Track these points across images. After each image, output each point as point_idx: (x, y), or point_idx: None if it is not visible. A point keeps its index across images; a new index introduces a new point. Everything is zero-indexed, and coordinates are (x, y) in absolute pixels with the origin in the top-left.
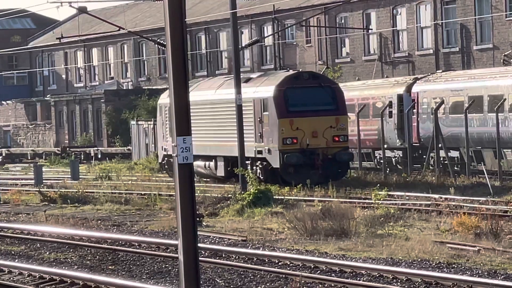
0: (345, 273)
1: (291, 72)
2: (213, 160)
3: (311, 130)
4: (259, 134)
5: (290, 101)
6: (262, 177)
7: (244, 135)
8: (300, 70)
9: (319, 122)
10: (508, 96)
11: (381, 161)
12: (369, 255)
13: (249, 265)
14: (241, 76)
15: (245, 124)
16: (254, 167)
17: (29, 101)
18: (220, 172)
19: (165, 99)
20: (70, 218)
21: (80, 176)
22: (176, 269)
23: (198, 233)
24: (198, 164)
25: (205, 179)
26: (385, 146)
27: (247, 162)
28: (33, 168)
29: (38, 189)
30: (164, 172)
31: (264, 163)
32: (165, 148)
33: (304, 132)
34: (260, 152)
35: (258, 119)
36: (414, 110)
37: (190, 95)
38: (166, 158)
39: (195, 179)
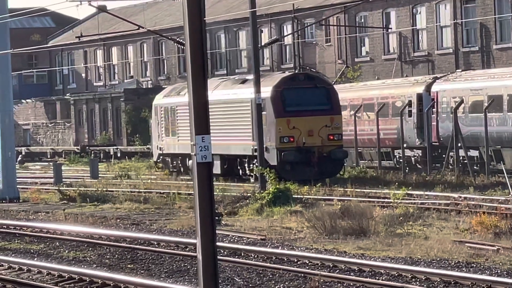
0: (364, 273)
1: (287, 73)
2: None
3: (307, 129)
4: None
5: (287, 101)
6: (258, 175)
7: (242, 134)
8: (296, 71)
9: (314, 121)
10: None
11: (401, 160)
12: (388, 254)
13: (268, 264)
14: (237, 78)
15: (243, 124)
16: (251, 165)
17: (48, 100)
18: (216, 169)
19: (160, 100)
20: (89, 216)
21: (99, 175)
22: (195, 268)
23: (217, 232)
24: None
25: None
26: (405, 145)
27: (244, 160)
28: (52, 167)
29: (57, 188)
30: (159, 170)
31: None
32: (160, 147)
33: (300, 131)
34: (257, 150)
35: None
36: (433, 109)
37: (186, 96)
38: (161, 157)
39: (189, 176)
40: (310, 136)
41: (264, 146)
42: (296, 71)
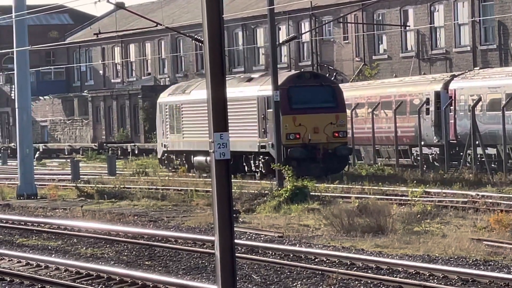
0: (382, 270)
1: (293, 72)
2: None
3: (312, 126)
4: (262, 130)
5: (293, 99)
6: (264, 171)
7: (248, 131)
8: (302, 70)
9: (320, 118)
10: None
11: (418, 158)
12: (405, 252)
13: (286, 262)
14: (243, 76)
15: (249, 121)
16: (257, 161)
17: (66, 97)
18: None
19: (164, 98)
20: (107, 213)
21: (117, 172)
22: (213, 265)
23: (235, 229)
24: (199, 160)
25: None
26: (422, 143)
27: (249, 156)
28: (70, 164)
29: (75, 185)
30: (164, 167)
31: (267, 157)
32: (164, 145)
33: (306, 128)
34: (263, 147)
35: (262, 116)
36: (451, 107)
37: (191, 94)
38: (166, 154)
39: (194, 173)
40: (316, 133)
41: (270, 142)
42: (302, 70)
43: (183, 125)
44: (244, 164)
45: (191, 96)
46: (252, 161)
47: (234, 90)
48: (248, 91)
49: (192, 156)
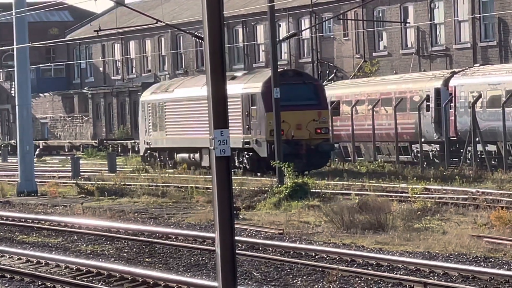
0: (382, 267)
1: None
2: (198, 152)
3: (295, 122)
4: (246, 127)
5: None
6: (248, 166)
7: (232, 128)
8: (285, 68)
9: (303, 115)
10: None
11: (418, 154)
12: (406, 249)
13: (286, 258)
14: (227, 74)
15: (233, 118)
16: (241, 157)
17: (66, 94)
18: (205, 162)
19: (147, 97)
20: (107, 210)
21: (117, 169)
22: (213, 262)
23: (235, 226)
24: (182, 157)
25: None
26: (422, 139)
27: (233, 152)
28: (70, 161)
29: (75, 182)
30: (147, 164)
31: (251, 153)
32: (147, 142)
33: (289, 124)
34: (247, 143)
35: (246, 113)
36: (451, 104)
37: (174, 92)
38: (148, 151)
39: (175, 169)
40: (299, 130)
41: (254, 139)
42: (285, 68)
43: (166, 122)
44: None
45: (174, 94)
46: (236, 157)
47: None
48: (232, 89)
49: (175, 153)
